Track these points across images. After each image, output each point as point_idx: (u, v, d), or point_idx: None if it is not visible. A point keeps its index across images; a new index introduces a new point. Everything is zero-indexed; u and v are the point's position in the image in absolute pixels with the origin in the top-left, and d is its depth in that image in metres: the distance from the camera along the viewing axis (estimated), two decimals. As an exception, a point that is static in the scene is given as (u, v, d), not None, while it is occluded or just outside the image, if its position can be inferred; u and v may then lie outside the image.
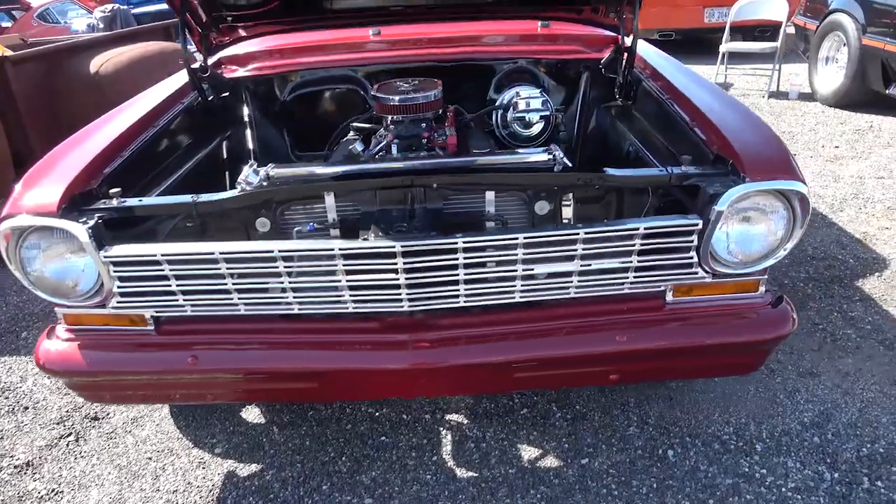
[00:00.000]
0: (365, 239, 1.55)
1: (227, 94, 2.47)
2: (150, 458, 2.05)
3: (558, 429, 2.08)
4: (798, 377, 2.25)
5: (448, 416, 2.15)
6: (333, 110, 2.69)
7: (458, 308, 1.65)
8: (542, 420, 2.12)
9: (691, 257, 1.62)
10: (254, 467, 2.00)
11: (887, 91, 4.73)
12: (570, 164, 1.73)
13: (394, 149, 2.12)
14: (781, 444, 1.98)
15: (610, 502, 1.83)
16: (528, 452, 2.00)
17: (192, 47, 2.38)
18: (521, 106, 2.34)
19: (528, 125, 2.37)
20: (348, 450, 2.04)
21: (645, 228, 1.56)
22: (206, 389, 1.79)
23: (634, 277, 1.65)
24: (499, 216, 1.72)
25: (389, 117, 2.16)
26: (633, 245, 1.58)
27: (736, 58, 6.09)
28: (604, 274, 1.64)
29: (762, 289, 1.73)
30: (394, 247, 1.52)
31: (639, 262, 1.62)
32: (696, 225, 1.56)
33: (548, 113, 2.35)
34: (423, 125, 2.17)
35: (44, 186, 1.63)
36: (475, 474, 1.94)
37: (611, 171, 1.63)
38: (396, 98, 2.15)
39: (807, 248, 3.11)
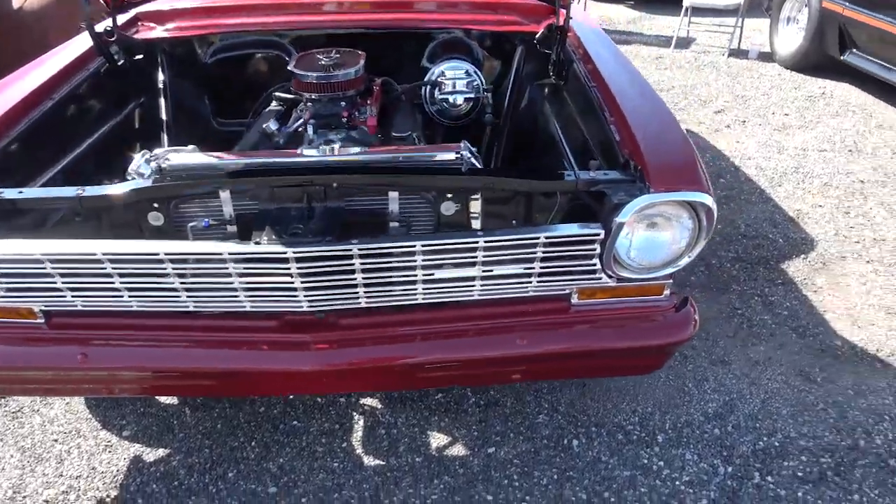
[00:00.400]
0: (257, 242, 1.49)
1: (140, 56, 2.33)
2: (55, 441, 2.03)
3: (470, 415, 2.11)
4: (709, 365, 2.30)
5: (363, 400, 2.16)
6: (258, 76, 2.56)
7: (364, 308, 1.63)
8: (455, 406, 2.14)
9: (594, 264, 1.61)
10: (161, 452, 1.99)
11: (842, 57, 4.69)
12: (478, 165, 1.68)
13: (309, 129, 2.03)
14: (682, 435, 2.04)
15: (510, 493, 1.87)
16: (437, 440, 2.03)
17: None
18: (447, 87, 2.25)
19: (455, 105, 2.29)
20: (258, 434, 2.04)
21: (546, 237, 1.54)
22: (106, 385, 1.75)
23: (538, 282, 1.64)
24: (403, 217, 1.67)
25: (307, 95, 2.07)
26: (535, 252, 1.56)
27: (700, 12, 5.96)
28: (507, 278, 1.62)
29: (667, 292, 1.73)
30: (286, 252, 1.47)
31: (541, 268, 1.60)
32: (598, 235, 1.54)
33: (472, 95, 2.27)
34: (343, 104, 2.08)
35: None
36: (382, 462, 1.96)
37: (512, 180, 1.60)
38: (314, 75, 2.04)
39: (739, 226, 3.13)
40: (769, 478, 1.90)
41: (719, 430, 2.05)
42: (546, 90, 2.35)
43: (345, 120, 2.09)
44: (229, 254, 1.47)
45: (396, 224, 1.66)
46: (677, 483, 1.89)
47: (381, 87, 2.31)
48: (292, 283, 1.53)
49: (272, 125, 2.06)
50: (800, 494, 1.85)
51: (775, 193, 3.43)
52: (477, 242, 1.51)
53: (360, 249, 1.49)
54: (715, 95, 4.72)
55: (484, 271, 1.59)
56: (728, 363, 2.31)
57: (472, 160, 1.67)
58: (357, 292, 1.58)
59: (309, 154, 1.73)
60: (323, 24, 2.43)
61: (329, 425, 2.08)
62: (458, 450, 2.00)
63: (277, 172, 1.62)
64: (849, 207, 3.26)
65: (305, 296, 1.56)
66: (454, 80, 2.26)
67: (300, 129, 2.05)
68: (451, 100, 2.27)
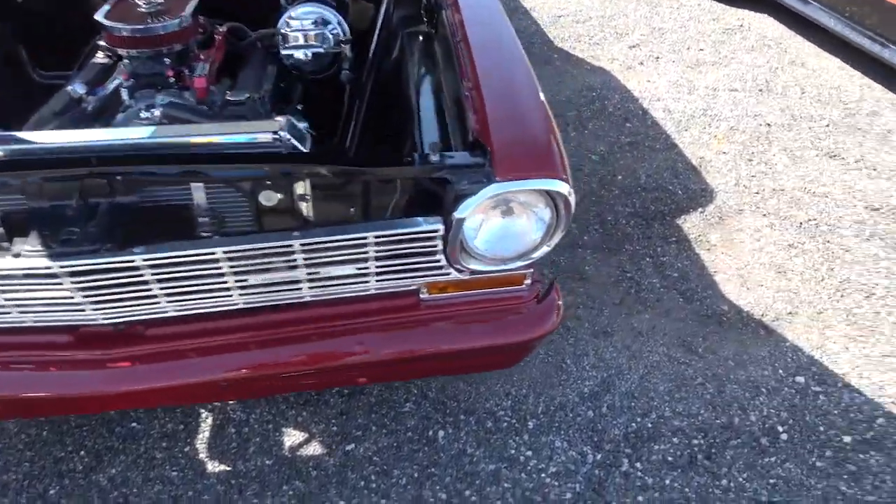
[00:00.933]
0: (16, 255, 1.23)
1: None
2: None
3: (331, 407, 1.94)
4: (591, 337, 2.18)
5: (214, 394, 1.96)
6: (84, 20, 2.18)
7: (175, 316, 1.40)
8: (316, 397, 1.97)
9: (438, 260, 1.41)
10: (-28, 469, 1.77)
11: (761, -15, 4.49)
12: (301, 148, 1.41)
13: (124, 93, 1.73)
14: (554, 420, 1.93)
15: (365, 497, 1.74)
16: (291, 438, 1.86)
17: None
18: (292, 39, 1.94)
19: (306, 59, 1.99)
20: (90, 441, 1.83)
21: (375, 237, 1.33)
22: None
23: (377, 280, 1.44)
24: (212, 211, 1.42)
25: (121, 51, 1.75)
26: (367, 252, 1.36)
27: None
28: (341, 278, 1.42)
29: (528, 281, 1.56)
30: (51, 268, 1.22)
31: (377, 267, 1.40)
32: (437, 231, 1.34)
33: (320, 49, 1.97)
34: (167, 60, 1.77)
35: None
36: (228, 468, 1.79)
37: (340, 167, 1.36)
38: (126, 28, 1.72)
39: (640, 176, 2.98)
40: (638, 464, 1.82)
41: (593, 413, 1.95)
42: (419, 40, 2.07)
43: (172, 80, 1.78)
44: (-20, 268, 1.21)
45: (206, 220, 1.42)
46: (543, 475, 1.79)
47: (225, 36, 1.99)
48: (71, 297, 1.28)
49: (78, 87, 1.73)
50: (667, 482, 1.77)
51: (681, 139, 3.28)
52: (292, 246, 1.30)
53: (145, 260, 1.25)
54: (632, 28, 4.47)
55: (309, 274, 1.38)
56: (610, 334, 2.20)
57: (294, 141, 1.40)
58: (158, 301, 1.35)
59: (80, 137, 1.39)
60: None
61: (173, 426, 1.88)
62: (314, 448, 1.84)
63: (47, 165, 1.33)
64: (752, 154, 3.14)
65: (94, 309, 1.32)
66: (302, 30, 1.94)
67: (116, 93, 1.74)
68: (296, 54, 1.97)
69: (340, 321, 1.51)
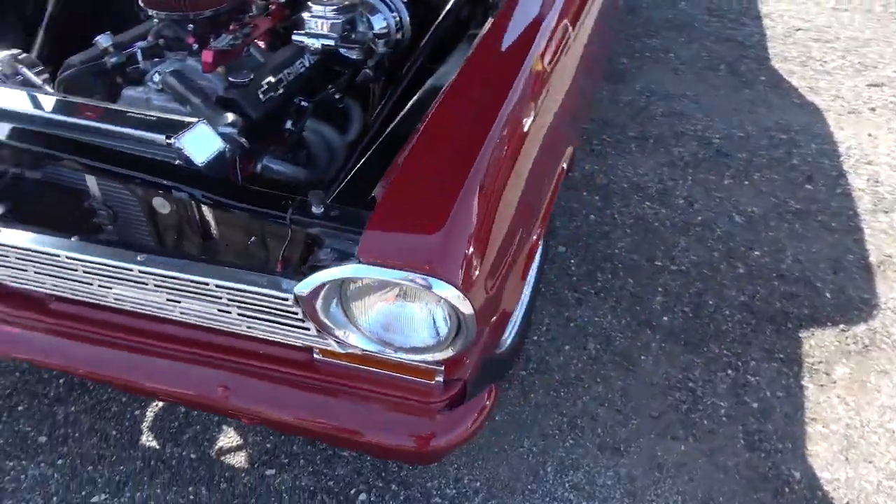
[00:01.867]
0: None
1: None
2: None
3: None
4: (595, 449, 1.76)
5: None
6: None
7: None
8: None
9: (308, 328, 1.18)
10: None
11: None
12: (194, 161, 1.20)
13: (139, 54, 1.67)
14: (491, 534, 1.60)
15: (253, 534, 1.61)
16: (227, 439, 1.77)
17: None
18: (305, 25, 1.68)
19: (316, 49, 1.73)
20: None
21: (217, 285, 1.13)
22: None
23: (247, 326, 1.25)
24: (105, 204, 1.32)
25: (149, 11, 1.68)
26: (219, 296, 1.17)
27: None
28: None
29: (438, 379, 1.26)
30: None
31: (238, 313, 1.21)
32: (286, 299, 1.11)
33: (330, 43, 1.69)
34: (190, 27, 1.67)
35: None
36: (157, 447, 1.76)
37: (203, 194, 1.16)
38: None
39: (785, 259, 2.33)
40: None
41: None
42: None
43: (196, 47, 1.70)
44: None
45: (102, 212, 1.33)
46: None
47: (279, 11, 1.81)
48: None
49: (103, 40, 1.71)
50: None
51: (871, 223, 2.50)
52: (131, 269, 1.15)
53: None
54: (887, 62, 3.50)
55: (169, 299, 1.23)
56: (620, 454, 1.75)
57: (187, 151, 1.21)
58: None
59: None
60: None
61: (137, 385, 1.90)
62: (239, 459, 1.74)
63: None
64: (967, 271, 2.29)
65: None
66: (321, 16, 1.71)
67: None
68: (305, 41, 1.72)
69: (213, 352, 1.35)
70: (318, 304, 1.09)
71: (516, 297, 1.45)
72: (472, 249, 1.07)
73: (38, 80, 1.59)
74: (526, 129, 1.30)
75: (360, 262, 1.03)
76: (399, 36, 1.74)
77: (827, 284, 2.25)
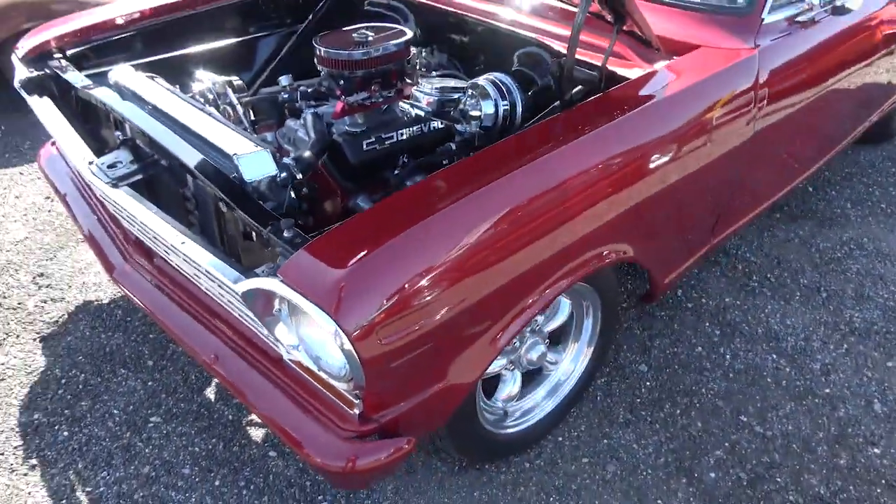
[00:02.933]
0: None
1: None
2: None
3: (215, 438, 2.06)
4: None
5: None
6: None
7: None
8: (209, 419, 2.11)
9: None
10: None
11: None
12: (241, 176, 1.49)
13: (298, 94, 2.08)
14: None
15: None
16: (148, 431, 2.08)
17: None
18: (414, 97, 1.91)
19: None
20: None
21: (198, 264, 1.42)
22: None
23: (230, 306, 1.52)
24: (193, 193, 1.70)
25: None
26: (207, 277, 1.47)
27: None
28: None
29: (356, 411, 1.39)
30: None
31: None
32: (235, 291, 1.35)
33: (433, 120, 1.87)
34: (341, 82, 2.01)
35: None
36: (72, 414, 2.14)
37: (224, 197, 1.44)
38: (319, 47, 1.98)
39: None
40: None
41: None
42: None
43: (340, 95, 2.07)
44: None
45: (190, 200, 1.73)
46: None
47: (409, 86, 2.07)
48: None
49: (284, 79, 2.18)
50: None
51: None
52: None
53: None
54: None
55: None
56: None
57: (241, 169, 1.52)
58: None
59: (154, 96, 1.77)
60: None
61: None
62: (142, 454, 2.03)
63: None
64: None
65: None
66: (428, 93, 1.93)
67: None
68: (410, 109, 1.95)
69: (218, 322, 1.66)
70: (260, 306, 1.31)
71: (470, 376, 1.49)
72: (372, 298, 1.20)
73: (235, 101, 2.09)
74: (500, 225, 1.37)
75: (278, 278, 1.24)
76: (504, 122, 1.90)
77: None
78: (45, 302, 2.46)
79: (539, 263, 1.47)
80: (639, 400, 2.12)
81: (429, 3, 2.37)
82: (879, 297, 2.57)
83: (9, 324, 2.36)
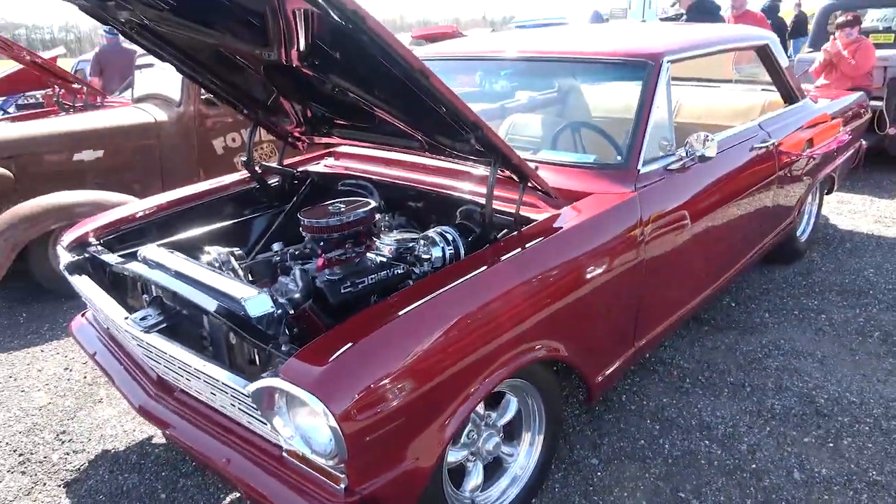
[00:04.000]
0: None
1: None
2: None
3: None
4: None
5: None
6: None
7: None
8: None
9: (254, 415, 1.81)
10: None
11: None
12: (248, 313, 1.92)
13: (287, 254, 2.63)
14: None
15: None
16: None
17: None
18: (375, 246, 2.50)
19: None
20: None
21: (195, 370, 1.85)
22: None
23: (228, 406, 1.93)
24: (210, 335, 2.17)
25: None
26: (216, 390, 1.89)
27: None
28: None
29: (342, 486, 1.74)
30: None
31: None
32: (227, 390, 1.77)
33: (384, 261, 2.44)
34: (322, 244, 2.55)
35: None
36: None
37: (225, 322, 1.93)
38: (303, 219, 2.56)
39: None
40: None
41: None
42: None
43: (321, 253, 2.60)
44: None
45: (206, 336, 2.18)
46: None
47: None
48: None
49: (276, 246, 2.73)
50: None
51: None
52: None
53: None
54: None
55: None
56: None
57: (246, 307, 1.99)
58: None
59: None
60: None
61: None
62: None
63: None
64: None
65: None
66: (388, 245, 2.49)
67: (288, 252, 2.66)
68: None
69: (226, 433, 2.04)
70: (265, 402, 1.72)
71: (429, 460, 1.85)
72: (350, 385, 1.63)
73: (237, 265, 2.61)
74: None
75: (280, 377, 1.67)
76: (451, 262, 2.42)
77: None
78: (67, 454, 2.79)
79: (478, 359, 1.91)
80: (591, 487, 2.44)
81: (388, 180, 3.00)
82: (795, 387, 2.98)
83: (36, 474, 2.67)
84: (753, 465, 2.51)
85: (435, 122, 2.10)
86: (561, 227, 2.26)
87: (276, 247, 2.74)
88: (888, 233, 4.81)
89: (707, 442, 2.65)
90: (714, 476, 2.47)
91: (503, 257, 2.08)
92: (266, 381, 1.69)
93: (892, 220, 5.06)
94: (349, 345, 1.71)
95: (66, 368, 3.50)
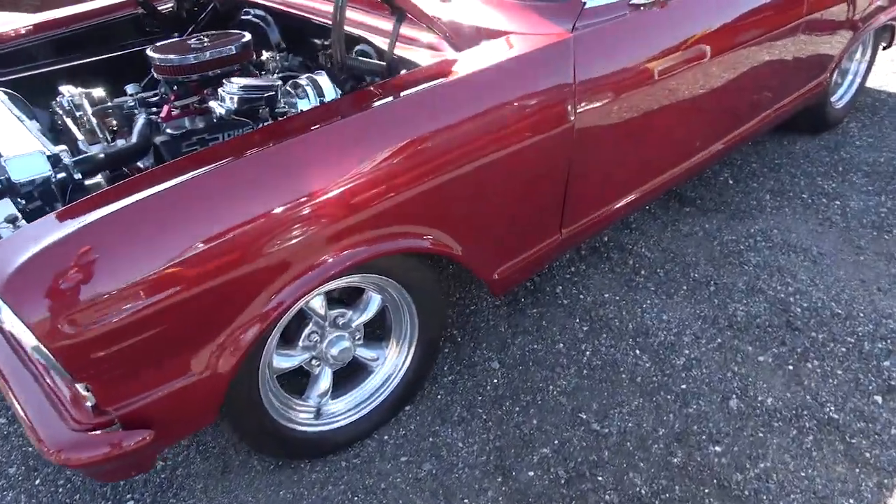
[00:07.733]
0: None
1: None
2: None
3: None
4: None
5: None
6: None
7: None
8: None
9: None
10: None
11: None
12: (10, 176, 1.49)
13: (136, 102, 2.12)
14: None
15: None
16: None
17: None
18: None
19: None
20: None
21: None
22: None
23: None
24: None
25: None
26: None
27: None
28: None
29: (89, 403, 1.39)
30: None
31: None
32: None
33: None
34: (174, 87, 2.03)
35: None
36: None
37: None
38: (151, 54, 1.98)
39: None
40: None
41: None
42: None
43: (174, 101, 2.09)
44: None
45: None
46: None
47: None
48: None
49: (130, 88, 2.22)
50: None
51: (933, 476, 1.74)
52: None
53: None
54: None
55: None
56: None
57: (9, 169, 1.53)
58: None
59: None
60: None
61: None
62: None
63: None
64: None
65: None
66: (231, 93, 1.92)
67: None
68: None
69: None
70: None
71: (225, 366, 1.47)
72: (62, 290, 1.20)
73: (90, 112, 2.10)
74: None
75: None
76: None
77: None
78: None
79: (282, 258, 1.44)
80: (480, 398, 2.06)
81: (290, 10, 2.38)
82: (771, 290, 2.44)
83: None
84: (683, 386, 2.06)
85: None
86: (446, 78, 1.67)
87: (129, 89, 2.24)
88: (955, 101, 3.93)
89: (637, 352, 2.20)
90: (630, 395, 2.04)
91: (343, 116, 1.54)
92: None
93: (966, 86, 4.13)
94: (76, 226, 1.26)
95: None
